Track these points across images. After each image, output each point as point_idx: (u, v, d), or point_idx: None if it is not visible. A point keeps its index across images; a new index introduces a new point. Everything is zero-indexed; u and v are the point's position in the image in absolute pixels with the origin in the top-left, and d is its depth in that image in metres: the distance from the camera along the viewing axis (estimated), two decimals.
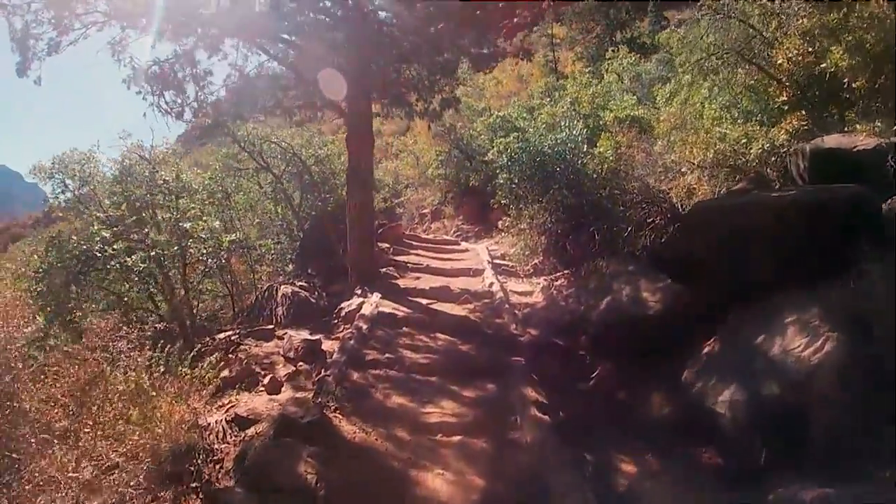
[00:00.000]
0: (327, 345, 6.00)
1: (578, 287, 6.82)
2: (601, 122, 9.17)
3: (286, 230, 9.46)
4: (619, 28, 20.73)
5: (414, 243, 11.19)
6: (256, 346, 6.56)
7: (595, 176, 7.23)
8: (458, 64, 8.44)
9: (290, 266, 9.62)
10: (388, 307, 6.46)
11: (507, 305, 6.77)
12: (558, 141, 7.78)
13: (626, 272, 5.70)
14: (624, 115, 8.96)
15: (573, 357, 5.35)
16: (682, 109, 8.09)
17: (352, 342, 5.26)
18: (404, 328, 5.90)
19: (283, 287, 8.32)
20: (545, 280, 7.57)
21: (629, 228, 6.00)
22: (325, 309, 7.92)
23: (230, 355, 5.89)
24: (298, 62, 6.95)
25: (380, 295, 6.93)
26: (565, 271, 7.13)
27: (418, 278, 8.14)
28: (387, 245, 10.22)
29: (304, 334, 6.00)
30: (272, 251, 9.21)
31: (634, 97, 10.63)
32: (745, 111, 7.24)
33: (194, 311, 6.93)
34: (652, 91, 10.88)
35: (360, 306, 6.62)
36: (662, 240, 5.61)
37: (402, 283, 7.82)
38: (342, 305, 6.98)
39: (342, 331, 6.53)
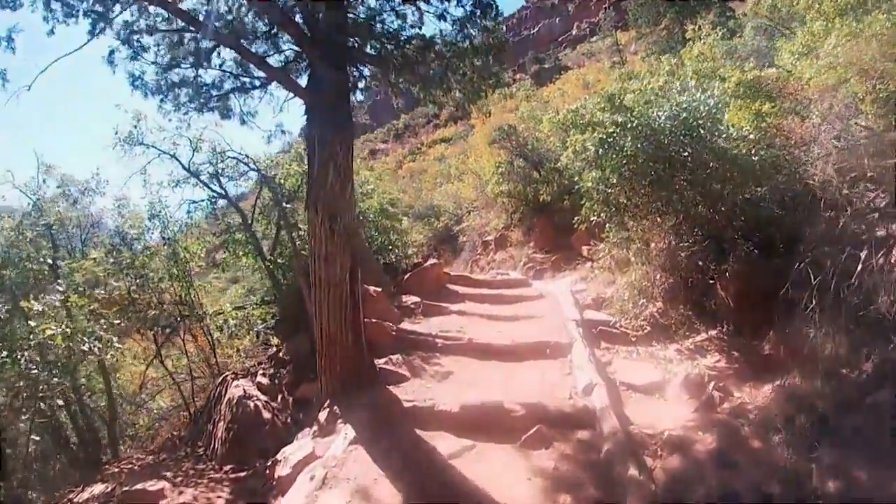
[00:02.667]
0: None
1: (781, 397, 3.20)
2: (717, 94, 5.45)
3: (257, 289, 6.27)
4: (689, 14, 17.73)
5: (460, 291, 7.52)
6: None
7: (754, 164, 3.98)
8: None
9: (276, 339, 6.43)
10: (351, 478, 2.83)
11: (632, 470, 2.84)
12: (683, 107, 4.48)
13: None
14: (752, 75, 5.16)
15: None
16: (849, 51, 4.15)
17: None
18: None
19: (233, 385, 5.14)
20: (679, 352, 4.42)
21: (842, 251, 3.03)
22: (284, 428, 4.61)
23: None
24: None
25: (354, 433, 3.33)
26: (711, 332, 4.40)
27: (448, 375, 4.40)
28: (415, 300, 6.65)
29: None
30: (235, 319, 6.07)
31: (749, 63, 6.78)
32: None
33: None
34: (772, 51, 7.00)
35: (298, 467, 3.08)
36: None
37: (411, 391, 4.09)
38: (278, 457, 3.49)
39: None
